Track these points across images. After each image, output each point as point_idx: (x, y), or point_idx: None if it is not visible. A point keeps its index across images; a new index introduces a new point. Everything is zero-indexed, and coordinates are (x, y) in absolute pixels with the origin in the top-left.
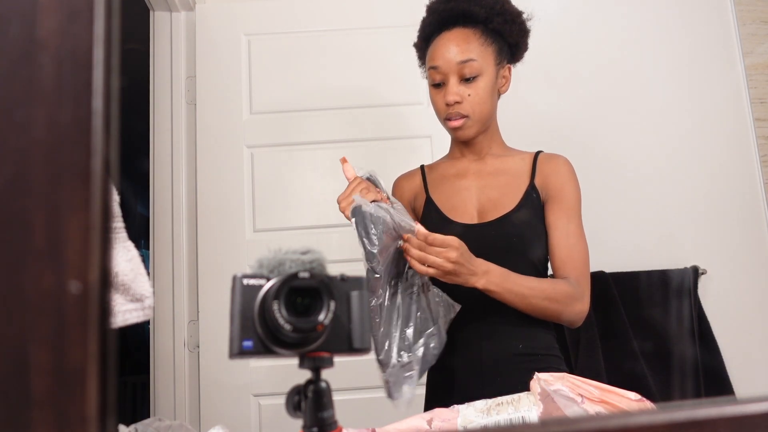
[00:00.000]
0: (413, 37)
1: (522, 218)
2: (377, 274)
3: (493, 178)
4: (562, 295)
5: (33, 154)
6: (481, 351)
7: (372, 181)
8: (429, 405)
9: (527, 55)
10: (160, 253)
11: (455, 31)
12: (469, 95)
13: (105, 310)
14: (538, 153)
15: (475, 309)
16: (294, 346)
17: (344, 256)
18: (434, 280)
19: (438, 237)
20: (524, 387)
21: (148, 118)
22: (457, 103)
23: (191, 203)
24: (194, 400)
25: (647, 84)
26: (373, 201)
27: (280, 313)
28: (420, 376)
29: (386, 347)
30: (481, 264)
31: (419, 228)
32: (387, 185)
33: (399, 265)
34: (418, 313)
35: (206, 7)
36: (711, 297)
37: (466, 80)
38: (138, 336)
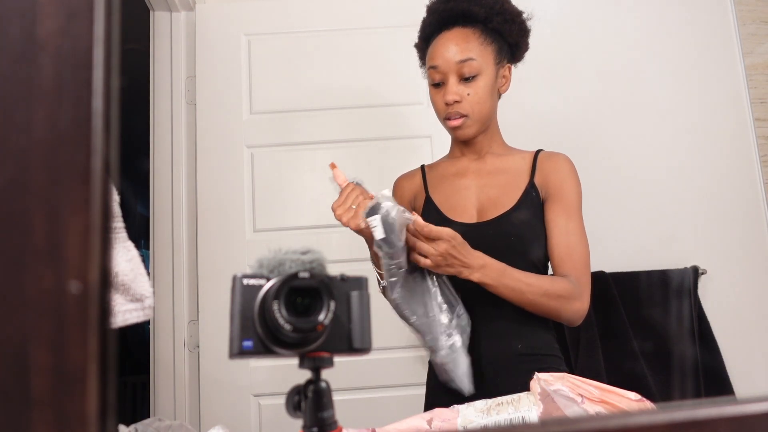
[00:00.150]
0: (413, 37)
1: (521, 217)
2: (402, 267)
3: (493, 177)
4: (560, 293)
5: (33, 154)
6: (480, 351)
7: (361, 187)
8: (429, 405)
9: (527, 55)
10: (160, 253)
11: (455, 31)
12: (468, 94)
13: (105, 310)
14: (538, 151)
15: (475, 309)
16: (294, 346)
17: (344, 256)
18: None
19: (432, 229)
20: (524, 387)
21: (148, 118)
22: (457, 102)
23: (191, 203)
24: (194, 400)
25: (647, 84)
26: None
27: (280, 313)
28: (466, 349)
29: (429, 331)
30: (479, 257)
31: (416, 219)
32: (387, 185)
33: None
34: (440, 295)
35: (206, 7)
36: (711, 297)
37: (465, 80)
38: (138, 336)
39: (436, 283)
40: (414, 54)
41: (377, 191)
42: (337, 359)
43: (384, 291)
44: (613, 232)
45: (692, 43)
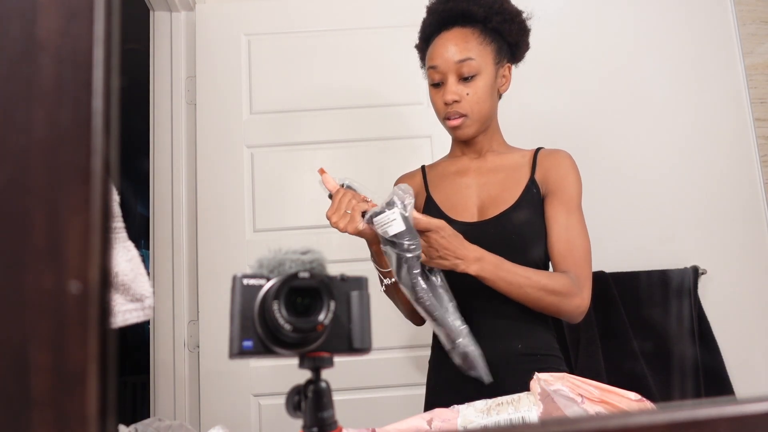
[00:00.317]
0: (413, 37)
1: (521, 215)
2: (420, 256)
3: (493, 175)
4: (559, 288)
5: (33, 154)
6: (480, 351)
7: (351, 188)
8: (429, 405)
9: (528, 54)
10: (160, 253)
11: (454, 31)
12: (467, 94)
13: (105, 310)
14: (538, 149)
15: (474, 308)
16: (294, 346)
17: (344, 256)
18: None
19: (421, 220)
20: (524, 387)
21: (148, 118)
22: (456, 102)
23: (191, 203)
24: (194, 400)
25: (647, 84)
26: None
27: (280, 313)
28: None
29: (451, 323)
30: (474, 250)
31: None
32: (388, 185)
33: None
34: (443, 290)
35: (206, 7)
36: (711, 297)
37: (464, 79)
38: (138, 336)
39: (439, 276)
40: (414, 54)
41: (373, 191)
42: (337, 359)
43: (387, 291)
44: (613, 232)
45: (692, 43)
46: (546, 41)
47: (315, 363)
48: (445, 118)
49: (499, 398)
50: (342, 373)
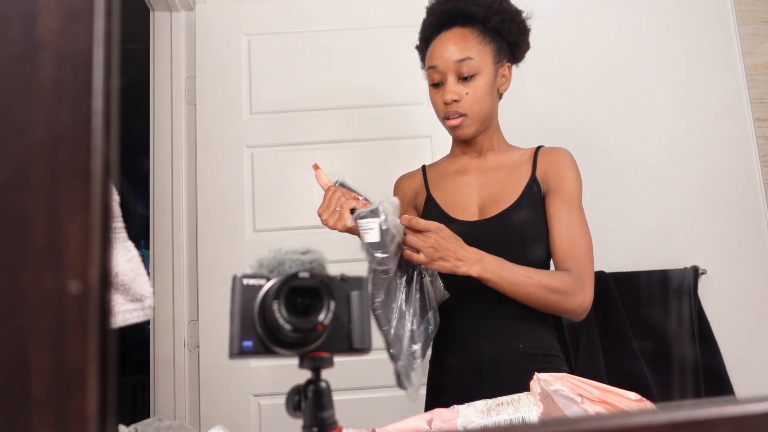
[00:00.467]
0: (413, 37)
1: (521, 214)
2: (389, 273)
3: (494, 174)
4: (561, 286)
5: (33, 154)
6: (481, 351)
7: (346, 186)
8: (429, 405)
9: (528, 54)
10: (160, 253)
11: (453, 31)
12: (467, 94)
13: (105, 310)
14: (539, 147)
15: (474, 308)
16: (294, 346)
17: (344, 256)
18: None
19: (419, 221)
20: (525, 387)
21: (148, 118)
22: (455, 101)
23: (191, 203)
24: (194, 400)
25: (647, 84)
26: (352, 210)
27: (280, 313)
28: (423, 357)
29: (399, 341)
30: (473, 251)
31: (404, 215)
32: (388, 185)
33: (408, 266)
34: (418, 302)
35: (206, 7)
36: (711, 297)
37: (464, 79)
38: (138, 336)
39: (418, 288)
40: (414, 54)
41: (369, 191)
42: (337, 359)
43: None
44: (613, 232)
45: (692, 43)
46: (546, 41)
47: (315, 363)
48: (444, 118)
49: (499, 398)
50: (342, 373)
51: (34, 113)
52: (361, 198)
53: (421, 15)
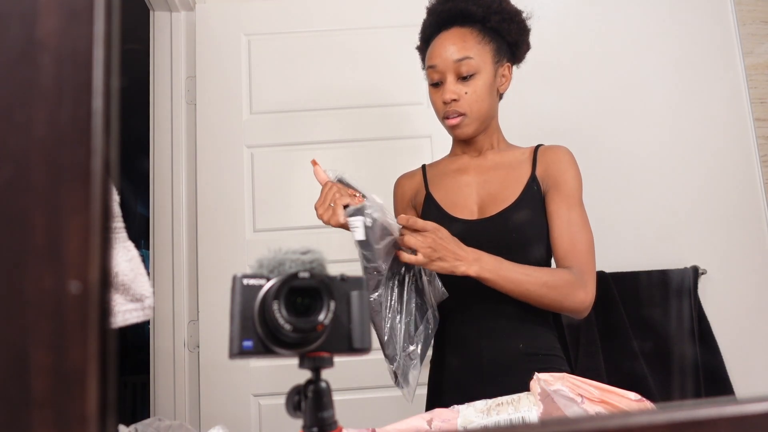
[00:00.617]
0: (413, 37)
1: (521, 212)
2: (380, 271)
3: (494, 173)
4: (561, 283)
5: (33, 154)
6: (481, 350)
7: (344, 182)
8: (430, 405)
9: (528, 54)
10: (160, 253)
11: (453, 31)
12: (466, 93)
13: (105, 310)
14: (538, 146)
15: (475, 308)
16: (294, 346)
17: (344, 256)
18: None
19: (417, 221)
20: (526, 387)
21: (148, 118)
22: (454, 101)
23: (191, 203)
24: (194, 400)
25: (647, 84)
26: (346, 205)
27: (280, 313)
28: (423, 359)
29: (393, 341)
30: (472, 252)
31: (401, 215)
32: (388, 185)
33: (396, 262)
34: (415, 302)
35: (206, 7)
36: (711, 297)
37: (463, 78)
38: (138, 336)
39: (413, 288)
40: (414, 54)
41: (367, 191)
42: (337, 359)
43: None
44: (613, 232)
45: (692, 43)
46: (546, 41)
47: (315, 363)
48: (444, 117)
49: (499, 398)
50: (342, 373)
51: (34, 113)
52: (357, 195)
53: (422, 15)
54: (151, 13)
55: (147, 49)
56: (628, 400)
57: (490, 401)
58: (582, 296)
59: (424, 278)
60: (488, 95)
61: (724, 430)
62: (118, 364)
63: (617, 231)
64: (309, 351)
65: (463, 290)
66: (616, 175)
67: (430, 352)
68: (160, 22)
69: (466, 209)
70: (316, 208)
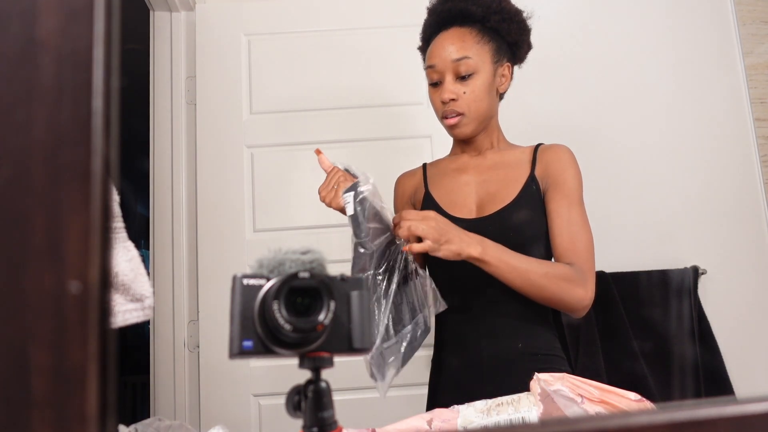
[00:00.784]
0: (414, 37)
1: (520, 212)
2: (366, 248)
3: (493, 173)
4: (561, 276)
5: (33, 154)
6: (481, 350)
7: (349, 172)
8: (430, 405)
9: (529, 54)
10: (160, 253)
11: (452, 31)
12: (464, 93)
13: (105, 310)
14: (538, 145)
15: (475, 307)
16: (294, 346)
17: (344, 256)
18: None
19: (411, 211)
20: (526, 387)
21: (148, 118)
22: (453, 100)
23: (191, 203)
24: (194, 400)
25: (647, 84)
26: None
27: (280, 313)
28: (404, 363)
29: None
30: (475, 236)
31: (397, 213)
32: (388, 185)
33: (389, 258)
34: (405, 302)
35: (206, 7)
36: (711, 297)
37: (462, 78)
38: (138, 336)
39: (402, 287)
40: (414, 54)
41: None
42: (337, 359)
43: None
44: (613, 232)
45: (692, 43)
46: (546, 41)
47: (315, 363)
48: (442, 117)
49: (499, 398)
50: (342, 373)
51: (34, 113)
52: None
53: (422, 15)
54: (151, 13)
55: (147, 49)
56: (628, 400)
57: (490, 401)
58: (581, 293)
59: (427, 283)
60: (487, 95)
61: (724, 430)
62: (118, 364)
63: (617, 231)
64: (309, 351)
65: (464, 290)
66: (615, 174)
67: (430, 353)
68: (160, 22)
69: (465, 208)
70: (319, 191)
